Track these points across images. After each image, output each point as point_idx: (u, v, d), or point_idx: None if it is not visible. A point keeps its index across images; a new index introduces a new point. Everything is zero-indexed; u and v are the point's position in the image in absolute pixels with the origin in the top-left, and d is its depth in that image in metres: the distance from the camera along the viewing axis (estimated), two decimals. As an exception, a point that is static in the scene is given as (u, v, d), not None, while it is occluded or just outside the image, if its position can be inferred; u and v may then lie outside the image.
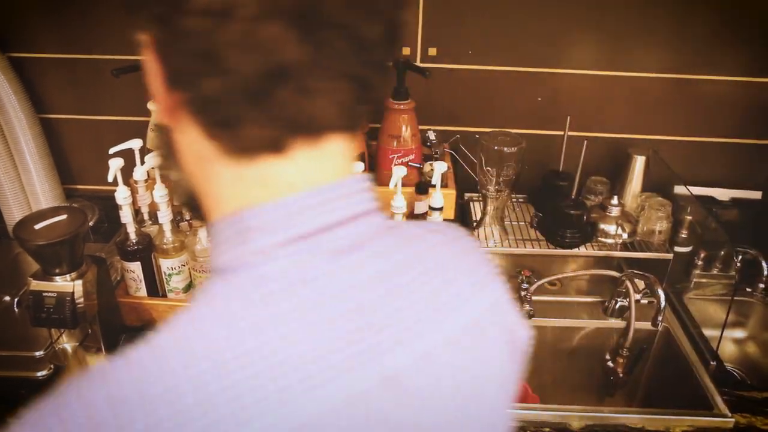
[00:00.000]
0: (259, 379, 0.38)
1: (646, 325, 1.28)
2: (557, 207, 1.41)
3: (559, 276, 1.44)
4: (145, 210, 1.28)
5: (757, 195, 1.59)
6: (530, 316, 1.36)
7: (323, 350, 0.40)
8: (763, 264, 1.48)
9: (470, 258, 0.53)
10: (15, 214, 1.54)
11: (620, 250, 1.41)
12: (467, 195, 1.62)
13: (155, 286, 1.26)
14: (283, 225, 0.42)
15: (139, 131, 1.33)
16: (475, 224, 1.46)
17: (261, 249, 0.42)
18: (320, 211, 0.43)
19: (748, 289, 1.50)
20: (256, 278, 0.42)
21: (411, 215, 1.32)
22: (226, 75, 0.38)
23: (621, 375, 1.34)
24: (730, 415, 1.14)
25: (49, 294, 1.06)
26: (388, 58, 0.45)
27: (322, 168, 0.44)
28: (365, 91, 0.43)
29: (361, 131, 0.55)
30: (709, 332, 1.33)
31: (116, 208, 1.18)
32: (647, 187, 1.51)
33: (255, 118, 0.40)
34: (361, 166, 1.20)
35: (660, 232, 1.41)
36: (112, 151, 1.22)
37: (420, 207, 1.30)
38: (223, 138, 0.42)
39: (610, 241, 1.42)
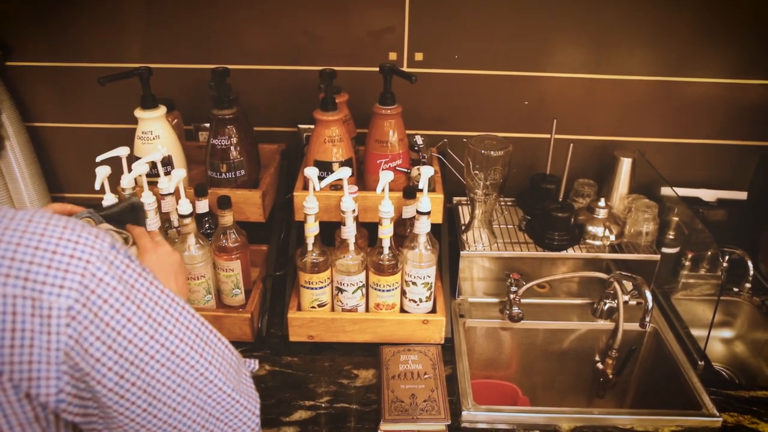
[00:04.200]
0: None
1: (635, 326, 1.29)
2: (545, 210, 1.41)
3: (548, 278, 1.44)
4: (132, 218, 1.27)
5: (742, 195, 1.61)
6: (520, 318, 1.37)
7: None
8: (749, 264, 1.49)
9: None
10: (2, 224, 1.53)
11: (608, 252, 1.42)
12: (455, 199, 1.62)
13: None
14: None
15: (126, 139, 1.33)
16: (463, 228, 1.47)
17: None
18: None
19: (735, 289, 1.51)
20: None
21: (399, 220, 1.33)
22: None
23: (610, 376, 1.34)
24: (718, 414, 1.15)
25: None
26: None
27: None
28: None
29: None
30: (697, 332, 1.33)
31: (103, 216, 1.17)
32: (634, 189, 1.52)
33: None
34: (348, 171, 1.21)
35: (647, 233, 1.41)
36: (99, 158, 1.22)
37: (408, 211, 1.30)
38: None
39: (597, 243, 1.42)
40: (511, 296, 1.36)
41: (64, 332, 0.55)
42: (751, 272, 1.50)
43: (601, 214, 1.42)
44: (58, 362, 0.55)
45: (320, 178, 1.22)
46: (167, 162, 1.34)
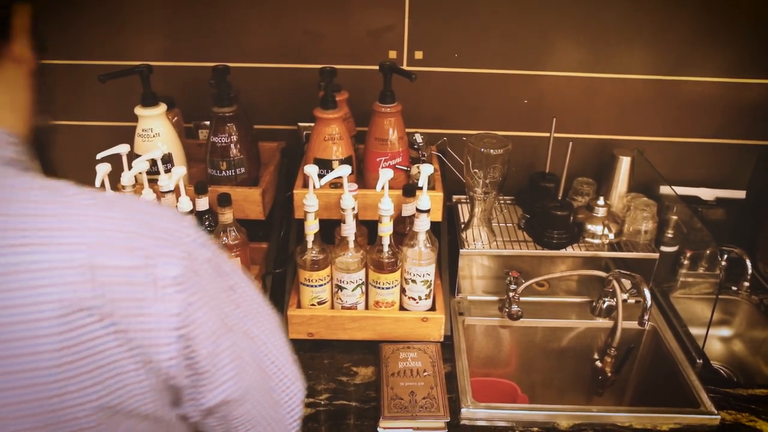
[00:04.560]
0: None
1: (634, 324, 1.29)
2: (544, 208, 1.42)
3: (547, 277, 1.45)
4: (132, 215, 1.27)
5: (741, 194, 1.61)
6: (519, 316, 1.37)
7: None
8: (748, 263, 1.49)
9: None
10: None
11: (607, 251, 1.42)
12: (455, 197, 1.63)
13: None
14: None
15: (126, 136, 1.33)
16: (462, 226, 1.47)
17: None
18: None
19: (734, 288, 1.52)
20: None
21: (399, 218, 1.33)
22: None
23: (609, 374, 1.35)
24: (716, 412, 1.15)
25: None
26: None
27: None
28: None
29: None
30: (695, 331, 1.34)
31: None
32: (633, 187, 1.52)
33: None
34: (348, 169, 1.21)
35: (646, 232, 1.42)
36: (99, 156, 1.22)
37: (407, 209, 1.31)
38: None
39: (596, 241, 1.43)
40: (510, 294, 1.37)
41: (174, 299, 0.57)
42: (750, 271, 1.50)
43: (600, 212, 1.43)
44: (171, 328, 0.57)
45: (320, 176, 1.23)
46: (167, 159, 1.34)
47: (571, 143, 1.37)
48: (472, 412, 1.14)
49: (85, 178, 1.67)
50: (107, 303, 0.54)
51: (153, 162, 1.27)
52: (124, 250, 0.55)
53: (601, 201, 1.43)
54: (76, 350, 0.54)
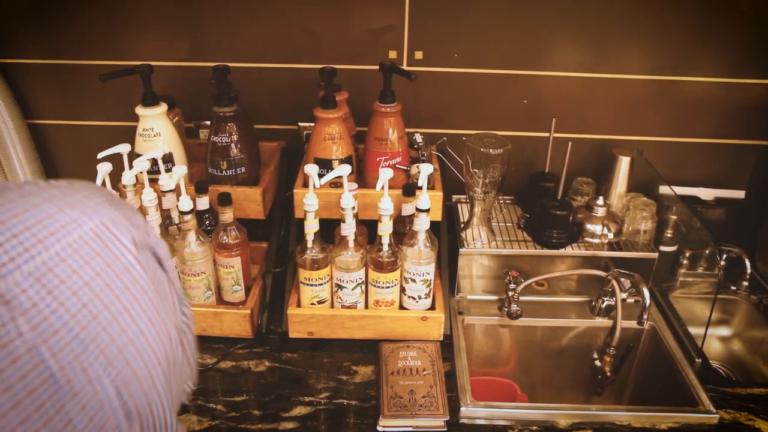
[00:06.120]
0: None
1: (633, 323, 1.30)
2: (544, 208, 1.42)
3: (547, 276, 1.45)
4: (133, 214, 1.28)
5: (740, 194, 1.61)
6: (518, 316, 1.37)
7: None
8: (747, 262, 1.50)
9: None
10: (3, 220, 1.54)
11: (606, 250, 1.43)
12: (455, 197, 1.63)
13: (144, 290, 1.26)
14: None
15: (127, 136, 1.34)
16: (462, 226, 1.48)
17: None
18: None
19: (733, 288, 1.52)
20: None
21: (398, 217, 1.33)
22: None
23: (608, 373, 1.35)
24: (714, 411, 1.16)
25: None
26: None
27: None
28: None
29: None
30: (694, 330, 1.34)
31: (104, 212, 1.18)
32: (632, 187, 1.53)
33: None
34: (348, 168, 1.21)
35: (645, 231, 1.42)
36: (100, 155, 1.22)
37: (407, 209, 1.31)
38: None
39: (596, 241, 1.43)
40: (510, 294, 1.37)
41: None
42: (749, 271, 1.50)
43: (600, 212, 1.43)
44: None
45: (320, 176, 1.23)
46: (168, 159, 1.34)
47: (570, 143, 1.37)
48: (471, 410, 1.15)
49: (86, 177, 1.66)
50: (144, 236, 0.62)
51: (154, 161, 1.28)
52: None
53: (600, 201, 1.43)
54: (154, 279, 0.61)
